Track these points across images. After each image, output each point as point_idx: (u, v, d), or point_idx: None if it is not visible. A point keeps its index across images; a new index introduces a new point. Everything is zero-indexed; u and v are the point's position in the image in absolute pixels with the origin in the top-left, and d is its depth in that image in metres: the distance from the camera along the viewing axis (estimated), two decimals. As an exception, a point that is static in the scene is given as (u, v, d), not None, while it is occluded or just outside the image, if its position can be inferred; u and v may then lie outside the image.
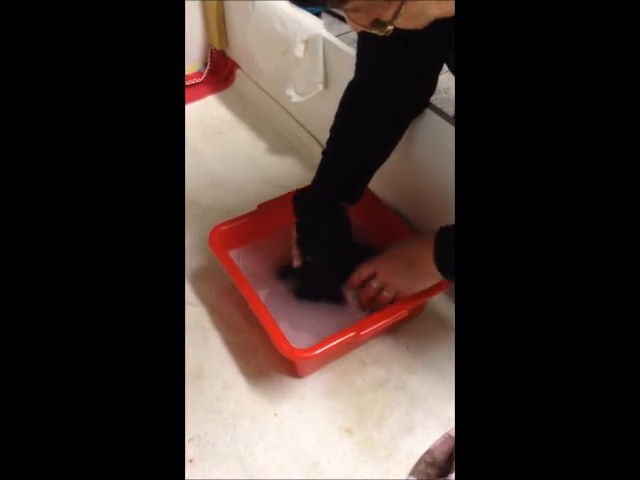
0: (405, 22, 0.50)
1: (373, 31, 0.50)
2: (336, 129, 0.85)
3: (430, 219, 0.91)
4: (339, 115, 0.84)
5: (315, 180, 0.86)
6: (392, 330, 0.86)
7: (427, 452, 0.73)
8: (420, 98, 0.82)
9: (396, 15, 0.48)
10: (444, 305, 0.90)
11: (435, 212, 0.88)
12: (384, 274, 0.77)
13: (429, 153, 0.88)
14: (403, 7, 0.47)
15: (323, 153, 0.86)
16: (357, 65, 0.82)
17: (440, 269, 0.68)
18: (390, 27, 0.49)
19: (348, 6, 0.47)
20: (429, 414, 0.77)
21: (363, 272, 0.78)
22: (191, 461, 0.72)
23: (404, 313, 0.76)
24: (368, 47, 0.78)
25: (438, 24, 0.51)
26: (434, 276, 0.70)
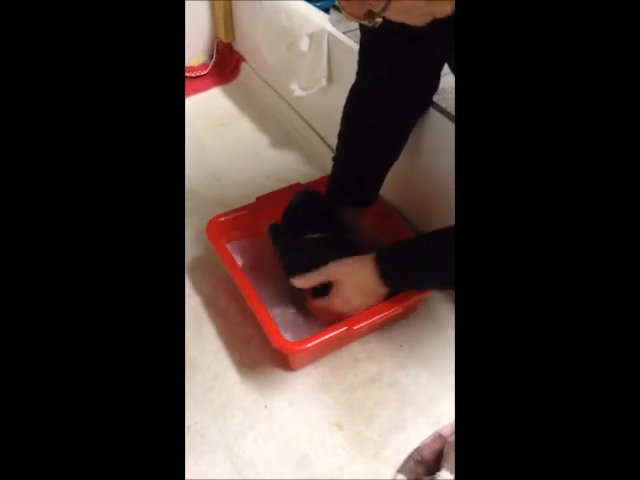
0: (395, 15, 0.51)
1: (364, 22, 0.52)
2: (344, 134, 0.84)
3: (434, 220, 0.90)
4: (345, 119, 0.84)
5: (329, 186, 0.86)
6: (386, 327, 0.86)
7: (416, 450, 0.73)
8: (424, 96, 0.82)
9: (385, 8, 0.49)
10: (439, 303, 0.90)
11: (439, 213, 0.87)
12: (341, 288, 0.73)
13: (433, 153, 0.87)
14: (392, 1, 0.48)
15: (333, 159, 0.86)
16: (359, 67, 0.82)
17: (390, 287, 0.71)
18: (379, 19, 0.50)
19: None
20: (420, 412, 0.77)
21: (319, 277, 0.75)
22: (180, 450, 0.72)
23: (398, 309, 0.75)
24: (371, 47, 0.78)
25: (437, 24, 0.51)
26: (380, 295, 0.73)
